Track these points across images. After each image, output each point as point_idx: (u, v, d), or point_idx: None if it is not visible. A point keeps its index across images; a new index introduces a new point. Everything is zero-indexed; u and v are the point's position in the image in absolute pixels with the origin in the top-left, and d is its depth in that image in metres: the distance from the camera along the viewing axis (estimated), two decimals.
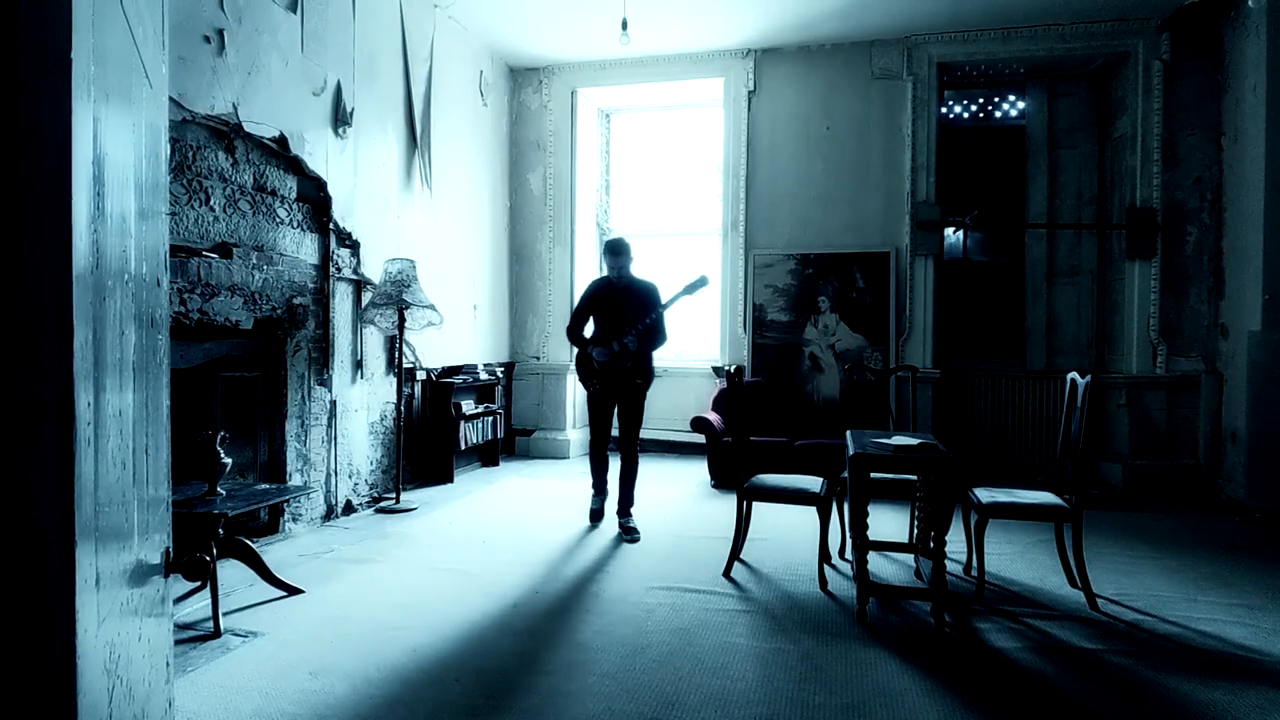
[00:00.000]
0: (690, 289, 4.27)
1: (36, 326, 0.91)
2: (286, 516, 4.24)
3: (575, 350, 4.46)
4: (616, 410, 4.40)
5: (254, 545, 3.28)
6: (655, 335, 4.28)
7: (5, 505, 0.92)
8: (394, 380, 5.21)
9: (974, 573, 3.47)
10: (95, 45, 0.99)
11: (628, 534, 4.24)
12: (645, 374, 4.36)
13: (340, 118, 4.62)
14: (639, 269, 4.52)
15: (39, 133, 0.91)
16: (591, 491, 4.66)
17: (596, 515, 4.59)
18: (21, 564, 0.91)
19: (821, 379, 6.41)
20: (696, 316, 7.14)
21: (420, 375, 5.62)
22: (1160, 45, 5.78)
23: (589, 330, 4.47)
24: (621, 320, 4.26)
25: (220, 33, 3.72)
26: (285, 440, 4.24)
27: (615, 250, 4.34)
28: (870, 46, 6.38)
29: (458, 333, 6.17)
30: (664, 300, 4.27)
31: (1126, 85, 5.99)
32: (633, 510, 4.41)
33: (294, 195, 4.33)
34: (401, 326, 4.89)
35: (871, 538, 3.43)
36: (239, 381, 4.11)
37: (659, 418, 6.88)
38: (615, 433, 4.51)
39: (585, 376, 4.40)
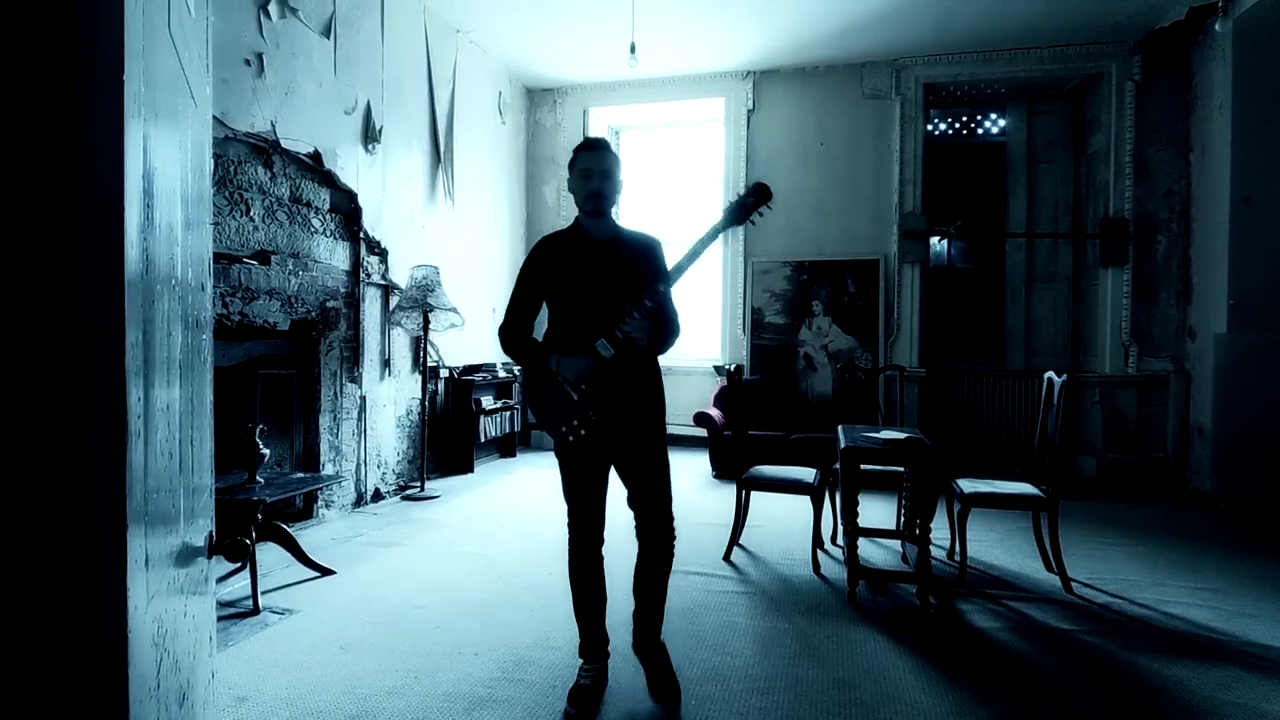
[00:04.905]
0: (736, 212, 2.12)
1: (92, 327, 0.92)
2: (320, 503, 4.26)
3: (521, 368, 1.98)
4: (617, 472, 2.28)
5: (290, 529, 3.30)
6: (668, 324, 2.15)
7: (63, 493, 0.93)
8: (419, 378, 5.22)
9: (957, 558, 3.46)
10: (145, 68, 1.00)
11: (661, 679, 2.20)
12: (658, 394, 2.24)
13: (370, 135, 4.64)
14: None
15: (94, 149, 0.92)
16: (579, 642, 2.28)
17: (581, 699, 2.12)
18: (78, 546, 0.92)
19: (815, 377, 6.39)
20: (699, 319, 7.12)
21: (443, 373, 5.63)
22: (1132, 67, 5.74)
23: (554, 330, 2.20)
24: (610, 297, 2.07)
25: (260, 56, 3.73)
26: (319, 433, 4.26)
27: (595, 146, 2.09)
28: (861, 68, 6.36)
29: (478, 334, 6.17)
30: (697, 240, 2.06)
31: (1101, 104, 5.95)
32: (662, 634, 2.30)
33: (327, 206, 4.34)
34: (426, 328, 4.90)
35: (861, 525, 3.42)
36: (276, 378, 4.13)
37: None
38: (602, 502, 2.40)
39: (550, 416, 2.16)
